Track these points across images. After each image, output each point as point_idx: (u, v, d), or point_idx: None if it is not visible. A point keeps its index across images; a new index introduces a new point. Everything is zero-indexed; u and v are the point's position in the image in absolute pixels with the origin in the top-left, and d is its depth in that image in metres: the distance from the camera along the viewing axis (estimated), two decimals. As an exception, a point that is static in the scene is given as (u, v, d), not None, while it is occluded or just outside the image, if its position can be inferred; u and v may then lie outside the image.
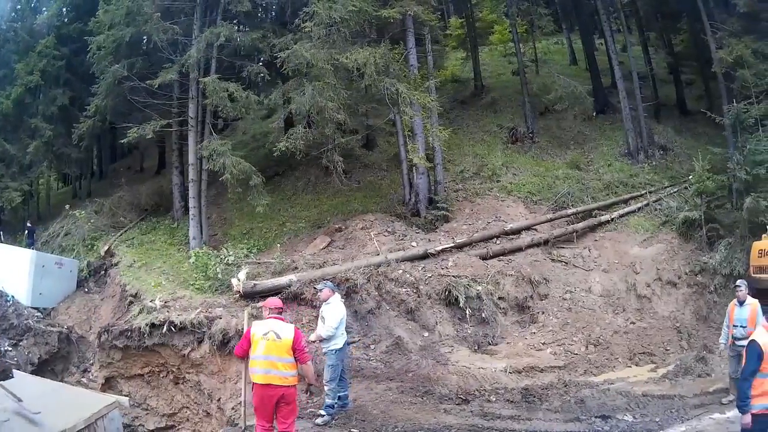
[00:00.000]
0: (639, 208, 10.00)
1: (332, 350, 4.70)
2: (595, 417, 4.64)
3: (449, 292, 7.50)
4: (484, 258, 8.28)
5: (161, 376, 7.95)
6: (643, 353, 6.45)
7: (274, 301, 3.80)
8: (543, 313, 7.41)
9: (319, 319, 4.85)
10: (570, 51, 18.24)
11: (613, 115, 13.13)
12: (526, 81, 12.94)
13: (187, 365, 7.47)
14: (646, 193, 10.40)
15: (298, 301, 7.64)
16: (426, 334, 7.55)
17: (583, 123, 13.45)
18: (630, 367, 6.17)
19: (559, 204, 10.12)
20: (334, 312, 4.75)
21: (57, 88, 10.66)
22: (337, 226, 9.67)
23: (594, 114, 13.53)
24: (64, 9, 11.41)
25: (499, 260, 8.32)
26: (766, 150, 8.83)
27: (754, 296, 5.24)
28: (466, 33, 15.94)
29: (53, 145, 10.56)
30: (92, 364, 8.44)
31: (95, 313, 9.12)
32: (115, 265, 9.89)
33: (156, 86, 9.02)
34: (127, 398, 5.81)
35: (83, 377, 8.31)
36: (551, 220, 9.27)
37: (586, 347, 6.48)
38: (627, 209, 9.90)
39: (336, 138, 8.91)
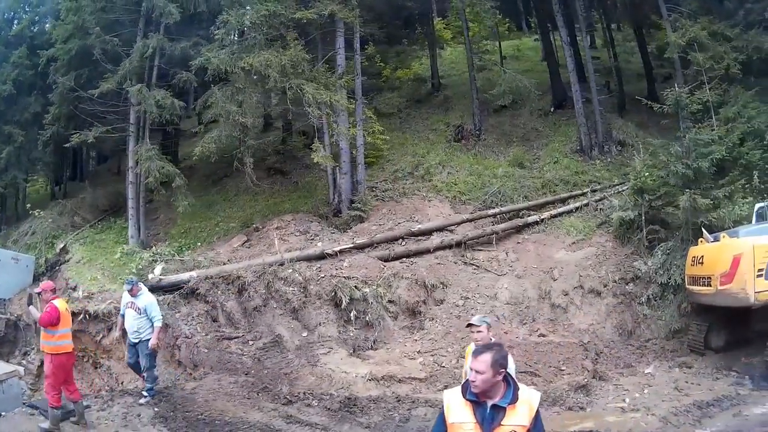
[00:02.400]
0: (577, 208, 9.27)
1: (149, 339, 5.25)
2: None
3: (335, 293, 7.87)
4: (385, 260, 7.94)
5: (84, 360, 8.88)
6: (527, 372, 5.69)
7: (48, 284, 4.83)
8: (431, 319, 7.02)
9: (134, 310, 5.31)
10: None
11: (571, 110, 12.12)
12: (474, 78, 12.33)
13: (101, 351, 8.35)
14: (587, 191, 9.58)
15: (195, 296, 8.39)
16: (305, 334, 7.53)
17: (538, 119, 12.66)
18: None
19: (487, 204, 9.53)
20: (151, 301, 5.39)
21: (29, 96, 11.74)
22: (255, 226, 10.05)
23: (552, 109, 12.83)
24: (37, 18, 12.88)
25: (402, 262, 7.92)
26: (709, 140, 7.90)
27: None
28: (424, 31, 15.56)
29: (26, 150, 12.27)
30: (32, 349, 9.74)
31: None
32: (67, 261, 11.22)
33: (96, 95, 10.13)
34: (23, 368, 6.94)
35: (24, 360, 9.57)
36: (468, 220, 8.76)
37: (457, 360, 5.95)
38: (561, 209, 9.19)
39: (246, 141, 9.49)
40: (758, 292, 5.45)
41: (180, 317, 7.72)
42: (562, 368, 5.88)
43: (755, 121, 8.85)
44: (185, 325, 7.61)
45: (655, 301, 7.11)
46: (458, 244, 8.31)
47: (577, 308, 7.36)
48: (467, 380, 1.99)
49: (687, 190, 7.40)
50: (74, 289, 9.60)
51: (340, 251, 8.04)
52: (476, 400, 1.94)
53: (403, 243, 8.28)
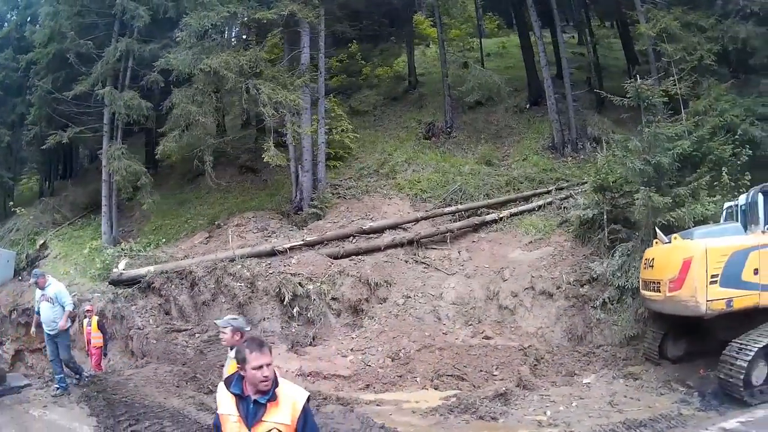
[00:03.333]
0: (540, 207, 9.13)
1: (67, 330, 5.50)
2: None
3: (280, 289, 8.23)
4: (335, 257, 8.06)
5: (41, 344, 9.66)
6: (453, 376, 5.66)
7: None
8: (371, 318, 7.09)
9: (47, 301, 5.48)
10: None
11: (546, 107, 12.45)
12: (446, 76, 12.33)
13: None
14: (552, 189, 9.46)
15: (151, 290, 8.85)
16: (248, 329, 8.05)
17: (513, 116, 12.54)
18: (426, 389, 5.51)
19: (447, 201, 9.47)
20: (60, 289, 5.60)
21: (16, 97, 12.43)
22: (217, 223, 10.48)
23: (527, 106, 12.72)
24: (24, 20, 13.43)
25: (351, 260, 8.00)
26: (673, 135, 7.64)
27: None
28: (404, 30, 15.62)
29: (13, 150, 13.16)
30: (7, 339, 10.49)
31: (21, 297, 10.97)
32: (45, 256, 11.98)
33: (71, 97, 10.85)
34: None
35: (0, 350, 10.36)
36: (422, 218, 8.74)
37: (384, 360, 6.09)
38: (522, 207, 9.09)
39: (207, 140, 9.89)
40: (711, 300, 5.05)
41: (135, 310, 8.18)
42: (495, 373, 5.80)
43: (728, 115, 8.48)
44: (139, 317, 8.06)
45: (612, 305, 6.78)
46: (410, 242, 8.45)
47: (526, 310, 7.21)
48: (234, 372, 2.06)
49: (642, 188, 7.31)
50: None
51: (290, 248, 8.30)
52: (240, 393, 1.99)
53: (354, 241, 8.47)
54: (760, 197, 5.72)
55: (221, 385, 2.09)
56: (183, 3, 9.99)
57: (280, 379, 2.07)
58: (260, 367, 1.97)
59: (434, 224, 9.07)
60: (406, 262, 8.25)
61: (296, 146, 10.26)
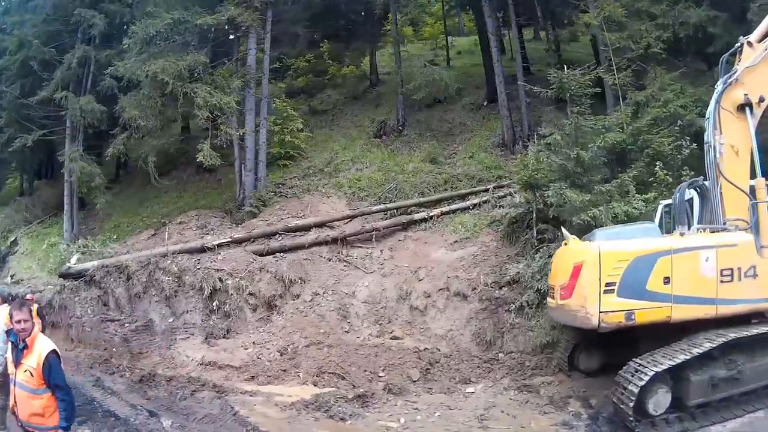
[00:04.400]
0: (475, 205, 9.43)
1: None
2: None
3: (203, 284, 9.03)
4: (261, 254, 8.65)
5: None
6: (335, 374, 5.98)
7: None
8: (280, 313, 7.59)
9: None
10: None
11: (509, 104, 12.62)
12: (401, 73, 12.82)
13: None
14: (490, 187, 9.71)
15: (93, 283, 9.76)
16: (171, 320, 8.76)
17: (469, 113, 12.87)
18: (305, 385, 5.87)
19: (382, 200, 9.93)
20: None
21: None
22: (163, 221, 11.41)
23: (485, 103, 13.00)
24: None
25: (274, 257, 8.59)
26: (601, 128, 7.83)
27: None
28: (366, 29, 15.96)
29: None
30: None
31: (-10, 289, 12.59)
32: (14, 252, 13.33)
33: (35, 102, 12.08)
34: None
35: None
36: (347, 217, 9.23)
37: (274, 353, 6.62)
38: (455, 206, 9.41)
39: (149, 142, 10.84)
40: (605, 312, 4.63)
41: (78, 301, 9.11)
42: (380, 374, 6.07)
43: (672, 105, 8.32)
44: (79, 307, 8.98)
45: (530, 309, 6.73)
46: (335, 240, 9.08)
47: (438, 311, 7.45)
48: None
49: (553, 185, 7.48)
50: (12, 276, 11.62)
51: (219, 245, 9.07)
52: (15, 342, 3.09)
53: (280, 238, 9.18)
54: (687, 194, 5.54)
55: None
56: (137, 10, 10.98)
57: (39, 335, 3.15)
58: (19, 321, 3.02)
59: (366, 222, 9.64)
60: (329, 260, 8.84)
61: (240, 146, 11.07)
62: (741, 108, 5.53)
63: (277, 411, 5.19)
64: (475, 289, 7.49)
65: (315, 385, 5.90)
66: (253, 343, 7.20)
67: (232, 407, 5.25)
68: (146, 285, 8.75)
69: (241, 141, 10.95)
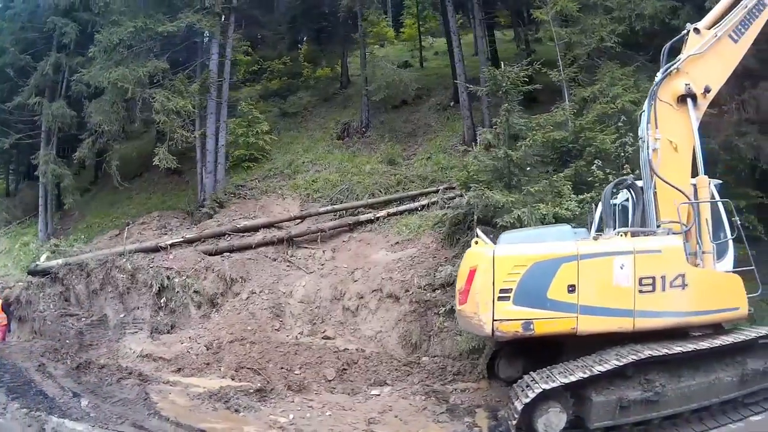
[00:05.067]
0: (424, 206, 9.87)
1: None
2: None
3: (153, 281, 9.78)
4: (210, 254, 9.33)
5: None
6: (252, 369, 6.49)
7: None
8: (218, 311, 8.27)
9: None
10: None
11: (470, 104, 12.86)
12: (364, 75, 13.32)
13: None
14: (440, 188, 10.14)
15: (58, 279, 10.67)
16: (123, 315, 9.62)
17: (435, 114, 13.31)
18: (224, 378, 6.40)
19: (334, 201, 10.55)
20: None
21: None
22: (127, 221, 12.35)
23: (451, 104, 13.38)
24: None
25: (222, 256, 9.25)
26: (534, 125, 8.01)
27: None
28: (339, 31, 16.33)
29: None
30: None
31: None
32: None
33: (11, 107, 13.20)
34: None
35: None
36: (293, 218, 9.84)
37: (202, 348, 7.27)
38: (403, 207, 9.93)
39: (112, 146, 11.69)
40: (499, 320, 4.50)
41: (43, 296, 9.98)
42: (296, 372, 6.52)
43: (621, 101, 8.39)
44: (43, 302, 9.84)
45: None
46: (281, 241, 9.73)
47: (370, 312, 7.87)
48: None
49: (474, 185, 7.83)
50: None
51: (172, 245, 9.86)
52: None
53: (229, 238, 9.89)
54: (624, 195, 5.62)
55: None
56: (104, 19, 11.86)
57: None
58: None
59: (316, 223, 10.26)
60: (274, 260, 9.48)
61: (202, 149, 11.83)
62: (682, 99, 5.27)
63: (186, 400, 5.82)
64: (408, 291, 7.78)
65: (232, 379, 6.49)
66: (189, 338, 7.88)
67: (148, 394, 5.93)
68: (103, 282, 9.56)
69: (203, 144, 11.71)
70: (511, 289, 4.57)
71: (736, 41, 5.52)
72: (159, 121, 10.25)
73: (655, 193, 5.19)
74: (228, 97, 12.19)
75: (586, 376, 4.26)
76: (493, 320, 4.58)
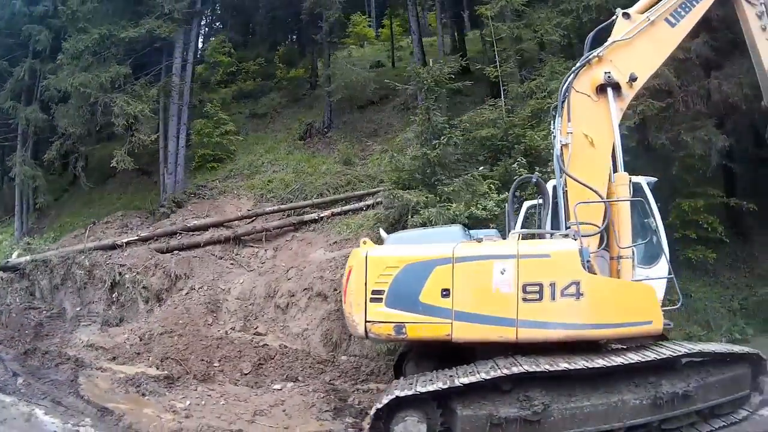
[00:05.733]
0: (369, 206, 10.44)
1: None
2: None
3: (106, 277, 10.74)
4: (162, 251, 10.25)
5: None
6: (175, 359, 7.29)
7: None
8: (160, 306, 9.13)
9: None
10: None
11: None
12: (326, 75, 14.01)
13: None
14: (384, 189, 10.80)
15: (25, 275, 11.78)
16: (79, 309, 10.62)
17: (398, 114, 13.85)
18: (150, 367, 7.21)
19: (284, 200, 11.31)
20: None
21: None
22: (93, 221, 13.40)
23: (415, 103, 14.02)
24: None
25: (172, 254, 10.14)
26: (451, 124, 8.38)
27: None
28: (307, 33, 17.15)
29: None
30: None
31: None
32: None
33: None
34: None
35: None
36: (241, 218, 10.63)
37: (136, 339, 8.12)
38: (348, 207, 10.59)
39: (78, 148, 12.74)
40: (371, 322, 4.59)
41: (10, 290, 11.14)
42: (215, 364, 7.27)
43: (557, 95, 8.98)
44: (11, 296, 11.01)
45: None
46: (227, 239, 10.55)
47: (299, 310, 8.48)
48: None
49: (390, 183, 8.38)
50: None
51: (127, 243, 10.82)
52: None
53: (179, 237, 10.78)
54: (515, 195, 5.72)
55: None
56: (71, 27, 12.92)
57: None
58: None
59: (265, 222, 11.05)
60: (220, 258, 10.30)
61: (164, 151, 12.78)
62: (602, 89, 5.04)
63: (107, 384, 6.65)
64: (336, 290, 8.20)
65: (157, 368, 7.32)
66: (131, 330, 8.77)
67: (77, 377, 6.80)
68: (64, 278, 10.57)
69: (166, 146, 12.64)
70: (384, 290, 4.59)
71: (673, 25, 5.27)
72: (117, 124, 11.15)
73: (565, 192, 4.96)
74: (190, 100, 13.04)
75: (442, 387, 4.13)
76: (366, 321, 4.64)
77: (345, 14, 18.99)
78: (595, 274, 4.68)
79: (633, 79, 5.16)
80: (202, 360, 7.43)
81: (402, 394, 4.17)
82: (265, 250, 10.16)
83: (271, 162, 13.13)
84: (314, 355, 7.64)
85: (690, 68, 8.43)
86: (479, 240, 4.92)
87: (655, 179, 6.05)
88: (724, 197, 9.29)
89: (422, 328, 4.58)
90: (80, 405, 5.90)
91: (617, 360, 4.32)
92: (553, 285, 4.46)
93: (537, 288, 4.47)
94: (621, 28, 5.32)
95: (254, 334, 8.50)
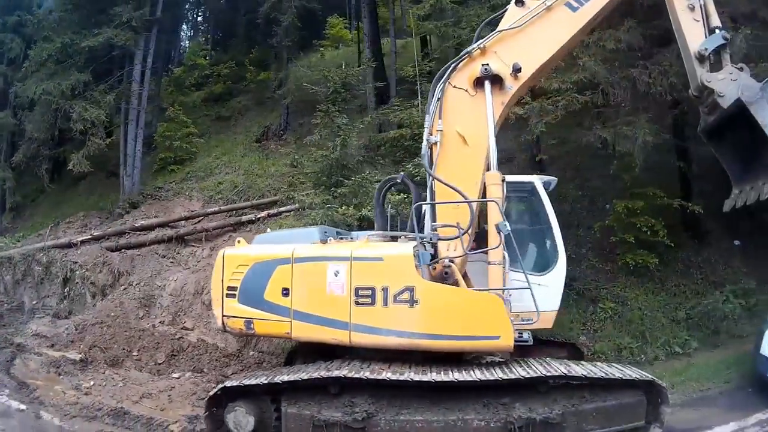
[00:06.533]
0: (302, 207, 11.98)
1: None
2: None
3: (61, 273, 12.10)
4: (112, 250, 11.93)
5: None
6: (100, 347, 8.41)
7: None
8: (102, 300, 10.33)
9: None
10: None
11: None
12: (280, 77, 15.20)
13: None
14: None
15: None
16: (35, 302, 12.04)
17: (357, 115, 14.73)
18: (79, 353, 8.24)
19: (228, 201, 12.42)
20: None
21: None
22: (57, 220, 14.86)
23: (372, 105, 14.44)
24: None
25: (120, 252, 11.70)
26: (355, 126, 9.04)
27: None
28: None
29: None
30: None
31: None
32: None
33: None
34: None
35: None
36: (184, 218, 11.75)
37: (73, 328, 9.17)
38: (284, 208, 11.15)
39: (42, 152, 14.19)
40: (227, 316, 5.10)
41: (-22, 286, 12.80)
42: (134, 353, 8.43)
43: None
44: (-23, 291, 12.64)
45: None
46: (170, 239, 11.73)
47: None
48: None
49: (290, 187, 9.12)
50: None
51: (82, 241, 12.18)
52: None
53: (128, 236, 12.04)
54: (381, 196, 5.87)
55: None
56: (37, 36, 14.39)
57: None
58: None
59: (209, 222, 12.20)
60: (163, 256, 11.48)
61: (124, 154, 14.10)
62: (480, 83, 5.00)
63: (37, 365, 7.86)
64: None
65: (83, 354, 8.53)
66: (73, 321, 10.05)
67: (14, 359, 8.05)
68: (24, 273, 12.00)
69: (125, 149, 13.96)
70: (236, 287, 5.07)
71: (575, 9, 5.06)
72: (75, 129, 12.49)
73: (434, 193, 4.99)
74: (147, 105, 14.27)
75: (263, 382, 4.48)
76: (223, 315, 5.17)
77: (323, 17, 20.14)
78: (453, 279, 4.62)
79: (517, 69, 4.96)
80: (123, 349, 8.59)
81: (230, 384, 4.63)
82: (203, 249, 11.28)
83: (225, 164, 14.27)
84: (223, 350, 8.69)
85: (620, 59, 8.19)
86: (324, 241, 5.14)
87: (554, 179, 6.13)
88: (665, 198, 8.92)
89: (267, 325, 4.96)
90: (6, 380, 7.14)
91: (456, 376, 4.28)
92: (385, 290, 4.53)
93: (369, 292, 4.57)
94: (512, 16, 5.19)
95: (182, 328, 9.60)
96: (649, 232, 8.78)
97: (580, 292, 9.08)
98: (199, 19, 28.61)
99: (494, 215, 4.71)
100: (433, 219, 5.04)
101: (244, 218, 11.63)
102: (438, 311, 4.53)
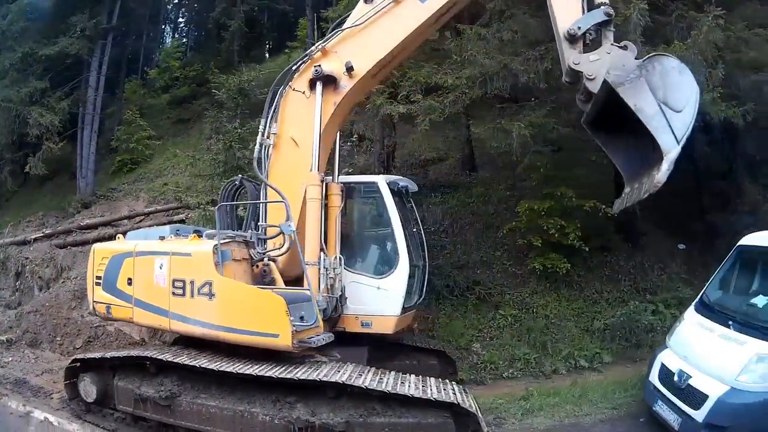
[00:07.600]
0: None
1: None
2: None
3: (13, 268, 13.92)
4: (61, 247, 13.97)
5: None
6: (31, 332, 9.80)
7: None
8: (46, 293, 12.51)
9: None
10: None
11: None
12: (233, 80, 16.93)
13: None
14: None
15: None
16: None
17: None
18: (14, 337, 9.75)
19: (167, 201, 14.18)
20: None
21: None
22: (19, 219, 16.77)
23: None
24: None
25: (67, 249, 13.79)
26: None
27: None
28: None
29: None
30: None
31: None
32: None
33: None
34: None
35: None
36: (125, 218, 13.57)
37: (13, 315, 10.79)
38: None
39: (4, 155, 16.11)
40: (96, 302, 6.18)
41: (-54, 281, 14.79)
42: (58, 339, 9.92)
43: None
44: (-55, 286, 14.63)
45: None
46: (110, 237, 13.34)
47: None
48: None
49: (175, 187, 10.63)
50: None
51: (35, 239, 14.00)
52: None
53: (74, 234, 13.78)
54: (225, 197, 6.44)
55: None
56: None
57: None
58: None
59: (150, 220, 13.80)
60: (104, 252, 13.19)
61: (80, 157, 15.90)
62: (314, 84, 5.42)
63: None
64: None
65: (13, 336, 10.22)
66: (16, 311, 11.80)
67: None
68: (-15, 268, 13.92)
69: (82, 152, 15.76)
70: (101, 276, 6.13)
71: (423, 0, 5.22)
72: (32, 135, 14.32)
73: (266, 194, 5.69)
74: (102, 110, 16.03)
75: (97, 356, 5.69)
76: (93, 301, 6.30)
77: (294, 18, 21.59)
78: (271, 278, 5.47)
79: (349, 68, 5.30)
80: (50, 334, 10.19)
81: (77, 357, 6.03)
82: (140, 246, 12.87)
83: (173, 165, 15.86)
84: (131, 338, 10.20)
85: (516, 51, 7.90)
86: (162, 238, 6.10)
87: (411, 182, 6.66)
88: (573, 198, 8.63)
89: (119, 310, 6.01)
90: (-60, 357, 8.82)
91: (242, 369, 4.87)
92: (192, 283, 5.30)
93: (182, 284, 5.37)
94: (357, 13, 5.45)
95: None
96: (557, 235, 8.50)
97: (482, 297, 8.99)
98: (180, 20, 30.61)
99: (283, 216, 5.30)
100: (264, 219, 5.87)
101: (175, 218, 13.13)
102: (230, 305, 5.24)
